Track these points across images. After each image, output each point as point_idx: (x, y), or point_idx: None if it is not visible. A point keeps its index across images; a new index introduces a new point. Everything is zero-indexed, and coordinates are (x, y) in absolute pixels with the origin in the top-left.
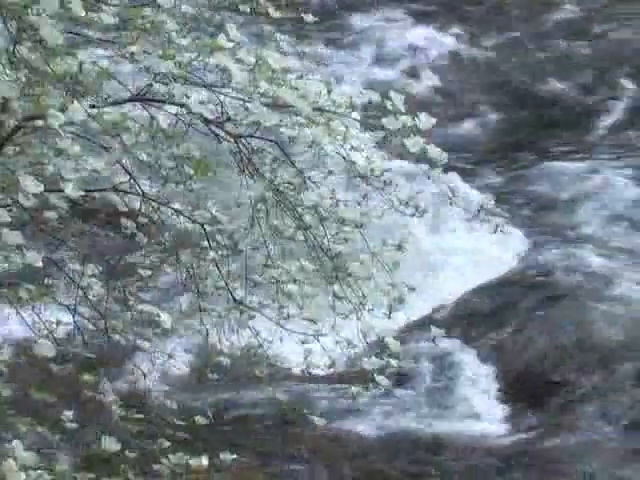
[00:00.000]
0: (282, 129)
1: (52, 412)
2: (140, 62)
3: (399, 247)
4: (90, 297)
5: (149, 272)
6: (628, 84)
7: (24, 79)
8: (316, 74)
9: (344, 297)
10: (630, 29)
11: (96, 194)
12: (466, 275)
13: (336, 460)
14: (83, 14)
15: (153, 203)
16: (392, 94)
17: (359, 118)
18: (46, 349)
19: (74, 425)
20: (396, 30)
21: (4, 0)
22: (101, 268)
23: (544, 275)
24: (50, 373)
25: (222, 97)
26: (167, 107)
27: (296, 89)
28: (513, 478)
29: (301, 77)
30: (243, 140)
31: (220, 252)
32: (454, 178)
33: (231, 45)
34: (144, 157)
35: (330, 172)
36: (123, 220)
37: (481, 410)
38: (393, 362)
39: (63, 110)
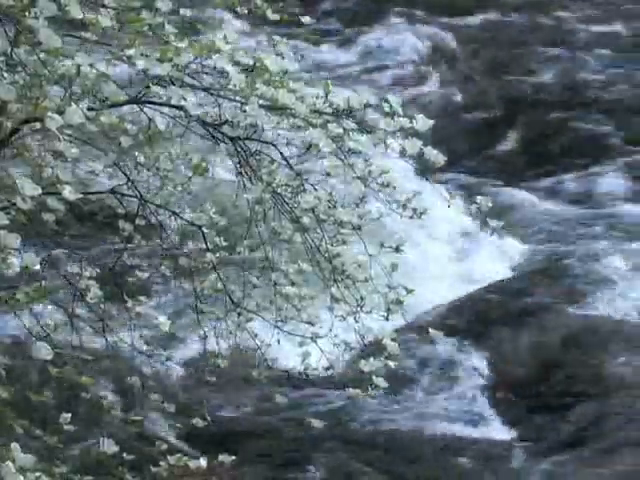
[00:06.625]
0: (280, 131)
1: (50, 414)
2: (138, 65)
3: (397, 249)
4: (88, 299)
5: (147, 274)
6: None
7: (22, 82)
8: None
9: (342, 299)
10: None
11: (94, 196)
12: (465, 276)
13: (334, 461)
14: (81, 16)
15: (151, 205)
16: (390, 97)
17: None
18: (43, 352)
19: (72, 427)
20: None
21: (2, 3)
22: (99, 270)
23: (543, 277)
24: (48, 375)
25: (220, 99)
26: (165, 109)
27: (294, 91)
28: (511, 479)
29: (299, 79)
30: (240, 142)
31: (218, 254)
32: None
33: (229, 47)
34: (142, 159)
35: (328, 174)
36: (121, 222)
37: (479, 412)
38: (391, 364)
39: (61, 113)
